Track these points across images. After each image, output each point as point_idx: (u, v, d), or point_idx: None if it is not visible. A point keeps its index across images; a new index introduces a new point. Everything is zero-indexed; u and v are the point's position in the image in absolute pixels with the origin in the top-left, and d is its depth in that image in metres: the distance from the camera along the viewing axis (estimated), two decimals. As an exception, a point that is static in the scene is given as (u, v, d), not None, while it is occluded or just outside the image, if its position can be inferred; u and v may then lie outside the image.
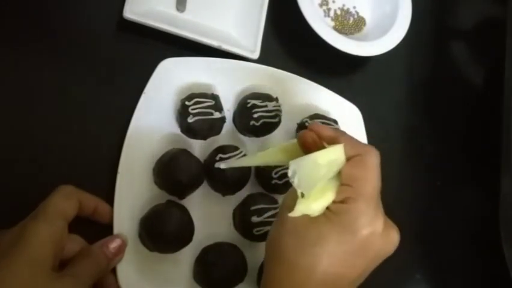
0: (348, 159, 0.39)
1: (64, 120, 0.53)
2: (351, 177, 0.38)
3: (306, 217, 0.38)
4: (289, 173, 0.37)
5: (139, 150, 0.52)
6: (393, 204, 0.65)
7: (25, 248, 0.39)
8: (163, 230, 0.49)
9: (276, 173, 0.54)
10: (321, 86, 0.61)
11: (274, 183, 0.54)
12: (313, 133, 0.41)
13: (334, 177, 0.39)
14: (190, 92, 0.54)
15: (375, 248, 0.38)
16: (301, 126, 0.58)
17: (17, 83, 0.52)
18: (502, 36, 0.67)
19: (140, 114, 0.53)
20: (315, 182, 0.38)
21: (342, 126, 0.59)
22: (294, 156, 0.41)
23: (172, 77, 0.55)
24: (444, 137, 0.71)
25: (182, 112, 0.53)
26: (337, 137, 0.40)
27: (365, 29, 0.69)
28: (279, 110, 0.57)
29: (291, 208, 0.38)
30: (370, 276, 0.58)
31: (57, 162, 0.51)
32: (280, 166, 0.54)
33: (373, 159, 0.39)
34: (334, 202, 0.38)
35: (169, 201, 0.51)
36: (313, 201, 0.38)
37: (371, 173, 0.38)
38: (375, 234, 0.38)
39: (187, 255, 0.52)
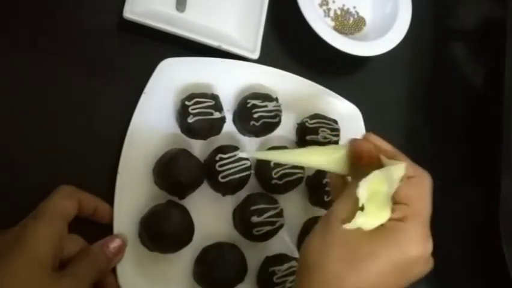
0: (408, 177, 0.38)
1: (64, 120, 0.53)
2: (409, 197, 0.38)
3: (358, 231, 0.37)
4: (360, 186, 0.37)
5: (139, 150, 0.52)
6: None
7: (25, 248, 0.39)
8: (163, 230, 0.49)
9: (276, 173, 0.54)
10: (321, 86, 0.61)
11: (274, 183, 0.54)
12: (372, 144, 0.41)
13: (389, 196, 0.39)
14: (190, 92, 0.54)
15: (418, 270, 0.39)
16: (302, 126, 0.58)
17: (17, 83, 0.52)
18: (502, 36, 0.67)
19: (140, 114, 0.53)
20: (375, 199, 0.37)
21: (342, 126, 0.59)
22: (335, 162, 0.41)
23: (172, 77, 0.55)
24: (444, 137, 0.71)
25: (182, 112, 0.53)
26: (396, 154, 0.40)
27: (365, 29, 0.69)
28: (279, 110, 0.57)
29: (346, 220, 0.37)
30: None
31: (57, 162, 0.51)
32: (281, 166, 0.54)
33: (429, 183, 0.39)
34: (390, 220, 0.38)
35: (169, 201, 0.51)
36: (372, 216, 0.37)
37: (428, 196, 0.39)
38: (424, 257, 0.38)
39: (187, 255, 0.52)
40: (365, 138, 0.42)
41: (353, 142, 0.42)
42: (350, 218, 0.37)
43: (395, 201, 0.38)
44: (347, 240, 0.37)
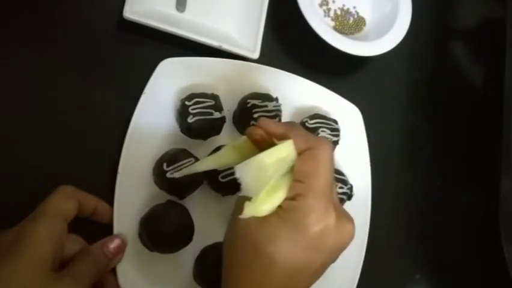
0: (300, 153, 0.38)
1: (64, 120, 0.53)
2: (302, 173, 0.38)
3: (258, 218, 0.38)
4: (237, 177, 0.37)
5: (139, 150, 0.52)
6: (393, 204, 0.66)
7: (25, 248, 0.39)
8: (163, 230, 0.49)
9: (276, 173, 0.54)
10: (321, 86, 0.61)
11: (274, 183, 0.54)
12: (262, 130, 0.40)
13: (287, 174, 0.39)
14: (190, 92, 0.54)
15: (329, 241, 0.38)
16: (302, 126, 0.58)
17: (17, 83, 0.52)
18: (502, 36, 0.67)
19: (140, 114, 0.53)
20: (263, 184, 0.37)
21: (342, 126, 0.59)
22: (249, 154, 0.41)
23: (172, 77, 0.55)
24: (444, 137, 0.71)
25: (182, 112, 0.53)
26: (286, 132, 0.39)
27: (365, 29, 0.69)
28: (279, 110, 0.57)
29: (241, 210, 0.38)
30: (370, 276, 0.58)
31: (57, 162, 0.51)
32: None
33: (324, 152, 0.38)
34: (286, 199, 0.38)
35: (169, 201, 0.51)
36: (263, 201, 0.38)
37: (322, 167, 0.38)
38: (328, 229, 0.37)
39: (187, 255, 0.52)
40: (257, 124, 0.41)
41: (247, 131, 0.42)
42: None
43: (293, 179, 0.38)
44: (248, 229, 0.38)
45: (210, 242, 0.52)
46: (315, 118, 0.58)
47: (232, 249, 0.39)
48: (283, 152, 0.38)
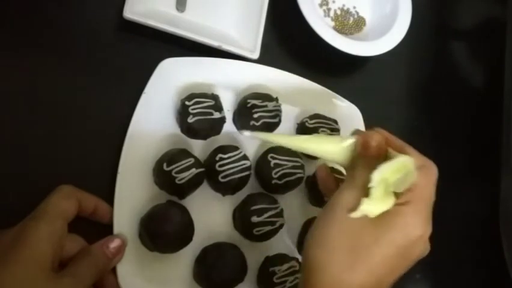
0: (417, 167, 0.40)
1: (64, 120, 0.53)
2: (415, 185, 0.39)
3: (362, 219, 0.38)
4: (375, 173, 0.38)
5: (139, 150, 0.52)
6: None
7: (24, 248, 0.39)
8: (163, 230, 0.49)
9: (276, 173, 0.54)
10: (321, 86, 0.61)
11: (274, 183, 0.54)
12: (382, 136, 0.42)
13: (395, 185, 0.40)
14: (190, 92, 0.54)
15: (418, 252, 0.40)
16: (302, 126, 0.58)
17: (17, 83, 0.52)
18: (502, 36, 0.67)
19: (140, 114, 0.53)
20: (385, 187, 0.39)
21: (342, 126, 0.59)
22: (339, 152, 0.42)
23: (172, 77, 0.55)
24: (444, 137, 0.71)
25: (182, 112, 0.53)
26: (403, 146, 0.42)
27: (365, 29, 0.69)
28: (279, 110, 0.57)
29: (352, 209, 0.38)
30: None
31: (57, 162, 0.51)
32: (281, 166, 0.54)
33: (434, 172, 0.41)
34: (394, 205, 0.39)
35: (169, 201, 0.51)
36: (378, 203, 0.38)
37: (432, 183, 0.40)
38: (423, 239, 0.39)
39: (187, 255, 0.52)
40: (376, 130, 0.43)
41: (363, 133, 0.43)
42: (354, 207, 0.38)
43: (404, 188, 0.39)
44: (352, 228, 0.38)
45: (210, 242, 0.52)
46: (315, 118, 0.58)
47: (329, 247, 0.38)
48: (410, 164, 0.39)
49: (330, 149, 0.43)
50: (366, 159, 0.41)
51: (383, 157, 0.41)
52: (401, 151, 0.41)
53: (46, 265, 0.40)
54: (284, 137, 0.47)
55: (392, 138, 0.43)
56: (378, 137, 0.42)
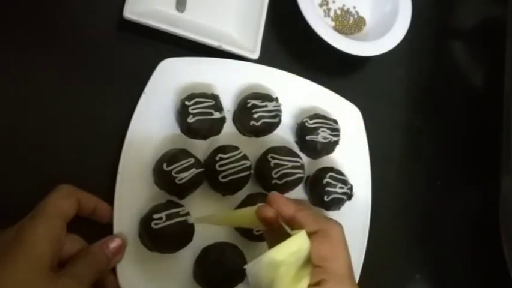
0: (312, 233, 0.38)
1: (64, 120, 0.53)
2: (320, 258, 0.38)
3: None
4: (249, 277, 0.37)
5: (139, 150, 0.52)
6: (393, 204, 0.66)
7: (23, 247, 0.39)
8: (163, 230, 0.49)
9: (276, 173, 0.54)
10: (321, 86, 0.61)
11: (274, 183, 0.54)
12: (273, 211, 0.40)
13: (306, 260, 0.38)
14: (190, 92, 0.54)
15: None
16: (302, 126, 0.58)
17: (17, 83, 0.52)
18: (502, 36, 0.67)
19: (140, 114, 0.53)
20: (278, 280, 0.37)
21: (342, 126, 0.59)
22: (256, 222, 0.42)
23: (172, 77, 0.55)
24: (445, 137, 0.71)
25: (182, 112, 0.53)
26: (295, 214, 0.39)
27: (365, 29, 0.69)
28: (279, 110, 0.57)
29: None
30: (370, 276, 0.58)
31: (57, 162, 0.51)
32: (281, 166, 0.54)
33: (337, 234, 0.39)
34: (309, 286, 0.37)
35: (169, 201, 0.51)
36: None
37: (337, 249, 0.39)
38: None
39: (187, 255, 0.52)
40: (269, 202, 0.41)
41: (258, 209, 0.41)
42: None
43: (312, 264, 0.38)
44: None
45: (210, 242, 0.52)
46: (315, 118, 0.58)
47: None
48: (296, 245, 0.37)
49: (248, 221, 0.43)
50: (269, 232, 0.41)
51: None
52: (292, 223, 0.39)
53: (45, 264, 0.40)
54: (215, 217, 0.50)
55: (283, 208, 0.40)
56: (268, 211, 0.41)
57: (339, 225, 0.40)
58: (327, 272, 0.37)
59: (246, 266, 0.38)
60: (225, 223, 0.50)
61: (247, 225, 0.46)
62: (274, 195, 0.42)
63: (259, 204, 0.42)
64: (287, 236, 0.38)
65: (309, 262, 0.38)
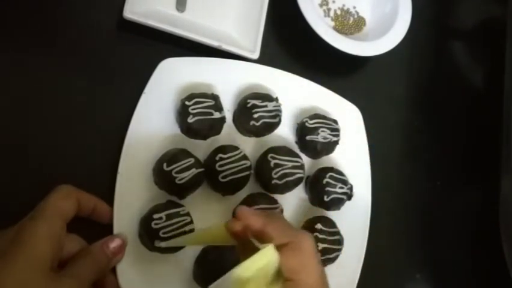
0: (281, 246, 0.37)
1: (64, 120, 0.53)
2: (290, 270, 0.37)
3: None
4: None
5: (139, 150, 0.52)
6: (393, 204, 0.66)
7: (23, 248, 0.39)
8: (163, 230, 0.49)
9: (276, 173, 0.54)
10: (321, 86, 0.61)
11: (274, 183, 0.54)
12: (240, 225, 0.40)
13: (276, 274, 0.37)
14: (190, 92, 0.54)
15: None
16: (302, 126, 0.58)
17: (17, 83, 0.52)
18: (502, 36, 0.67)
19: (140, 114, 0.53)
20: (260, 284, 0.36)
21: (342, 126, 0.59)
22: (226, 238, 0.41)
23: (172, 77, 0.55)
24: (445, 137, 0.71)
25: (182, 112, 0.53)
26: (263, 227, 0.39)
27: (365, 29, 0.69)
28: (279, 110, 0.57)
29: None
30: (371, 276, 0.58)
31: (57, 162, 0.51)
32: (281, 166, 0.54)
33: (307, 245, 0.38)
34: None
35: (169, 201, 0.51)
36: None
37: (308, 260, 0.38)
38: None
39: (187, 255, 0.52)
40: (237, 216, 0.41)
41: (227, 225, 0.41)
42: None
43: (283, 277, 0.37)
44: None
45: (210, 242, 0.52)
46: (315, 118, 0.58)
47: None
48: (264, 259, 0.36)
49: (219, 238, 0.43)
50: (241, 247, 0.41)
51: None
52: (262, 236, 0.39)
53: (45, 265, 0.40)
54: (185, 238, 0.48)
55: (250, 221, 0.40)
56: (236, 224, 0.40)
57: (310, 236, 0.39)
58: (298, 284, 0.37)
59: (209, 287, 0.37)
60: (196, 243, 0.49)
61: (220, 242, 0.44)
62: (241, 209, 0.41)
63: (227, 220, 0.41)
64: (257, 250, 0.37)
65: (280, 276, 0.37)
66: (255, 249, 0.37)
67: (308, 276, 0.37)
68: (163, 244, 0.47)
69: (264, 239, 0.39)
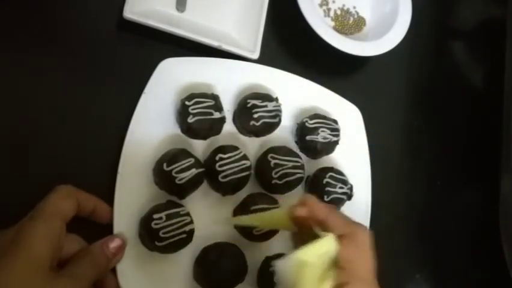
0: (340, 236, 0.39)
1: (64, 120, 0.53)
2: (345, 260, 0.38)
3: None
4: (276, 272, 0.39)
5: (139, 150, 0.52)
6: (393, 204, 0.66)
7: (22, 248, 0.39)
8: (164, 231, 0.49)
9: (276, 173, 0.54)
10: (321, 86, 0.61)
11: (274, 183, 0.54)
12: (305, 211, 0.41)
13: (332, 263, 0.39)
14: (190, 92, 0.54)
15: None
16: (302, 126, 0.58)
17: (17, 83, 0.52)
18: (502, 36, 0.67)
19: (140, 114, 0.53)
20: (304, 279, 0.38)
21: (342, 126, 0.59)
22: (287, 224, 0.43)
23: (172, 77, 0.55)
24: (445, 137, 0.71)
25: (182, 112, 0.53)
26: (326, 217, 0.40)
27: (365, 29, 0.69)
28: (279, 110, 0.57)
29: None
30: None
31: (57, 162, 0.51)
32: (281, 166, 0.54)
33: (364, 238, 0.40)
34: None
35: (169, 201, 0.51)
36: None
37: (363, 253, 0.39)
38: None
39: (187, 255, 0.52)
40: (301, 203, 0.42)
41: (291, 209, 0.43)
42: None
43: (338, 266, 0.39)
44: None
45: (210, 242, 0.52)
46: (315, 118, 0.58)
47: None
48: (324, 247, 0.39)
49: (281, 223, 0.46)
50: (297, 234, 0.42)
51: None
52: (324, 225, 0.40)
53: (44, 265, 0.40)
54: (250, 218, 0.51)
55: (315, 210, 0.41)
56: (302, 210, 0.42)
57: (367, 230, 0.41)
58: (350, 274, 0.38)
59: (274, 262, 0.39)
60: (260, 224, 0.50)
61: (280, 226, 0.48)
62: (308, 197, 0.43)
63: (291, 205, 0.43)
64: (315, 238, 0.39)
65: (335, 265, 0.39)
66: (314, 237, 0.39)
67: (360, 266, 0.39)
68: (229, 221, 0.51)
69: (324, 228, 0.41)
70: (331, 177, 0.56)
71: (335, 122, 0.59)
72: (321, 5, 0.69)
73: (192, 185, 0.52)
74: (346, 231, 0.40)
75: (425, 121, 0.70)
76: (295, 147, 0.59)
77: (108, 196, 0.49)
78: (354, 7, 0.70)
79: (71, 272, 0.42)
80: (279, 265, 0.39)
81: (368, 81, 0.68)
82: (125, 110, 0.53)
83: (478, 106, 0.74)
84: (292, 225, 0.43)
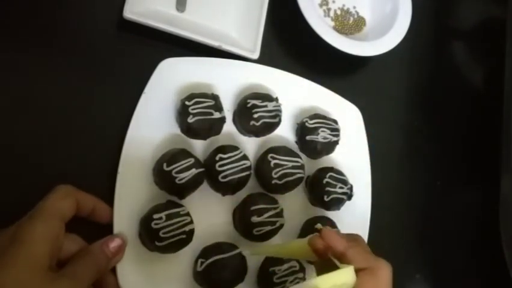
0: (360, 270, 0.39)
1: (64, 120, 0.53)
2: None
3: None
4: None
5: (139, 150, 0.52)
6: (393, 204, 0.66)
7: (21, 248, 0.39)
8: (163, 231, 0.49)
9: (276, 173, 0.54)
10: (321, 86, 0.61)
11: (274, 183, 0.54)
12: (323, 243, 0.42)
13: None
14: (190, 92, 0.54)
15: None
16: (302, 126, 0.58)
17: (17, 83, 0.52)
18: (502, 36, 0.67)
19: (140, 114, 0.53)
20: None
21: (342, 126, 0.59)
22: (308, 253, 0.43)
23: (172, 77, 0.55)
24: (445, 137, 0.71)
25: (182, 112, 0.53)
26: (346, 249, 0.40)
27: (365, 29, 0.69)
28: (279, 110, 0.57)
29: None
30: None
31: (57, 162, 0.51)
32: (281, 166, 0.54)
33: (384, 273, 0.40)
34: None
35: (169, 201, 0.51)
36: None
37: (382, 286, 0.39)
38: None
39: (187, 255, 0.52)
40: (320, 235, 0.42)
41: (310, 240, 0.43)
42: None
43: None
44: None
45: (210, 242, 0.52)
46: (315, 118, 0.58)
47: None
48: (342, 278, 0.38)
49: (300, 254, 0.46)
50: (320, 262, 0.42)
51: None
52: (342, 258, 0.40)
53: (43, 264, 0.40)
54: (272, 248, 0.53)
55: (333, 242, 0.41)
56: (318, 241, 0.42)
57: (388, 265, 0.41)
58: None
59: (290, 286, 0.40)
60: (279, 254, 0.51)
61: (300, 256, 0.48)
62: (326, 230, 0.43)
63: (311, 236, 0.43)
64: (335, 268, 0.39)
65: None
66: (334, 267, 0.39)
67: None
68: (247, 253, 0.51)
69: (344, 260, 0.40)
70: (331, 177, 0.56)
71: (335, 122, 0.59)
72: (321, 5, 0.69)
73: (192, 185, 0.52)
74: (366, 265, 0.40)
75: (425, 121, 0.70)
76: (295, 147, 0.59)
77: (108, 196, 0.49)
78: (354, 7, 0.70)
79: (71, 271, 0.42)
80: None
81: (368, 81, 0.68)
82: (125, 110, 0.53)
83: (478, 106, 0.74)
84: (313, 254, 0.43)
